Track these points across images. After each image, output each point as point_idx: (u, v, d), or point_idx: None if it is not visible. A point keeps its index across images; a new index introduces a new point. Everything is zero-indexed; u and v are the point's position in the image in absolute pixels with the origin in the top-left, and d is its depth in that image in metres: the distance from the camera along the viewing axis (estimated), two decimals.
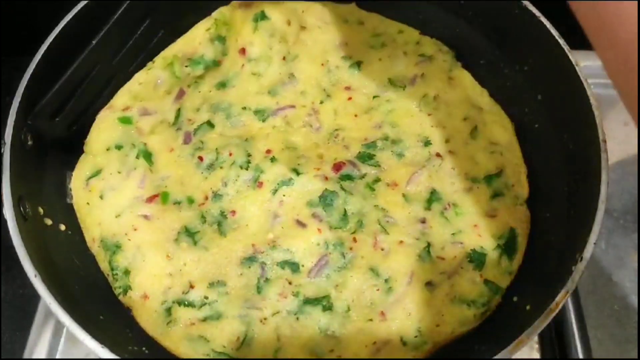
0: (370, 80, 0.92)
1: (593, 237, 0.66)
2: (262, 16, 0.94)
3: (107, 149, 0.85)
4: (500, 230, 0.79)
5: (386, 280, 0.76)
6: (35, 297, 0.66)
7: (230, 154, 0.84)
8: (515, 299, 0.76)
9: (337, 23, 0.97)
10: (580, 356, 0.83)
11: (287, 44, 0.94)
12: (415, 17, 0.96)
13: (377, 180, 0.83)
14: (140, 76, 0.91)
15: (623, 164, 1.01)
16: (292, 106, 0.90)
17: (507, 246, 0.78)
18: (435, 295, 0.75)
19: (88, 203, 0.82)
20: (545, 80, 0.84)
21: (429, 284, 0.76)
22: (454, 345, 0.75)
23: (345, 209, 0.80)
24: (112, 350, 0.64)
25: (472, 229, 0.79)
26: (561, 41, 0.79)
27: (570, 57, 0.77)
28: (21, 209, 0.71)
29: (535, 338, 0.85)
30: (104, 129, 0.86)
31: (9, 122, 0.73)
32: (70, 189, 0.83)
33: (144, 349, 0.73)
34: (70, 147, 0.85)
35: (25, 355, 0.88)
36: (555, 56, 0.79)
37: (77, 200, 0.82)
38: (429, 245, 0.78)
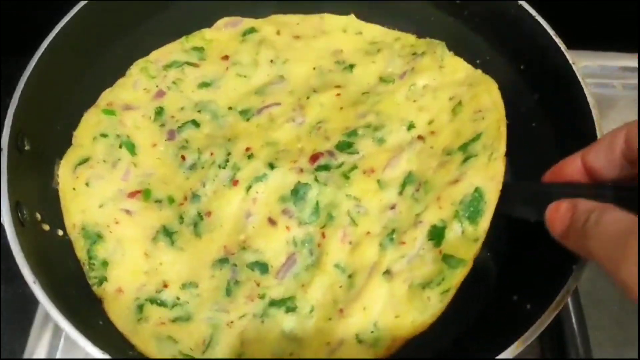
0: (361, 80, 0.92)
1: None
2: (251, 31, 0.96)
3: (94, 138, 0.85)
4: (462, 194, 0.73)
5: (350, 276, 0.75)
6: (35, 298, 0.66)
7: (212, 154, 0.84)
8: (515, 298, 0.75)
9: (335, 32, 0.97)
10: (580, 356, 0.83)
11: (275, 50, 0.94)
12: (411, 18, 0.96)
13: (354, 168, 0.81)
14: (120, 81, 0.92)
15: None
16: (278, 103, 0.90)
17: (469, 210, 0.72)
18: (393, 284, 0.72)
19: (74, 189, 0.81)
20: (542, 79, 0.84)
21: (387, 273, 0.73)
22: (454, 345, 0.76)
23: (317, 202, 0.79)
24: (112, 356, 0.63)
25: (435, 202, 0.75)
26: (557, 40, 0.80)
27: (567, 56, 0.78)
28: (19, 214, 0.70)
29: (535, 338, 0.85)
30: (90, 122, 0.87)
31: (6, 127, 0.73)
32: (58, 175, 0.82)
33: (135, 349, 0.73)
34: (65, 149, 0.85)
35: (25, 356, 0.88)
36: (551, 56, 0.80)
37: (63, 186, 0.82)
38: (392, 231, 0.75)
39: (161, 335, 0.74)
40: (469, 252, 0.70)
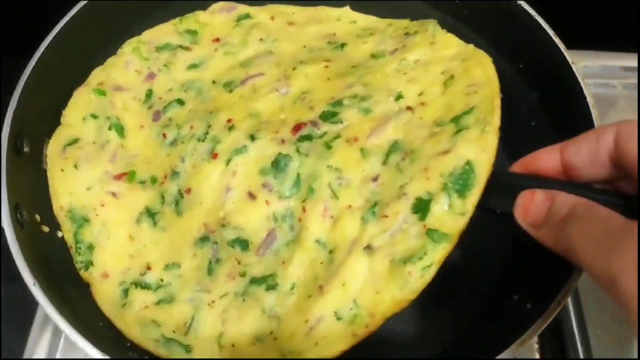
0: (351, 56, 0.90)
1: None
2: (246, 17, 0.96)
3: (84, 119, 0.85)
4: (452, 166, 0.67)
5: (330, 252, 0.71)
6: (35, 298, 0.66)
7: (192, 127, 0.82)
8: (515, 298, 0.75)
9: (329, 20, 0.97)
10: (580, 356, 0.83)
11: (266, 31, 0.94)
12: (409, 17, 0.96)
13: (337, 137, 0.77)
14: (111, 59, 0.92)
15: None
16: (261, 74, 0.87)
17: (459, 183, 0.67)
18: (373, 259, 0.68)
19: (62, 170, 0.81)
20: (541, 79, 0.84)
21: (367, 248, 0.68)
22: (454, 344, 0.76)
23: (298, 174, 0.75)
24: (112, 357, 0.63)
25: (421, 173, 0.69)
26: (557, 40, 0.80)
27: (566, 56, 0.78)
28: (18, 216, 0.70)
29: (535, 338, 0.85)
30: (81, 101, 0.86)
31: (5, 128, 0.73)
32: (46, 155, 0.82)
33: (145, 356, 0.73)
34: None
35: (25, 356, 0.88)
36: (551, 55, 0.79)
37: (52, 166, 0.81)
38: (375, 204, 0.71)
39: (145, 319, 0.73)
40: (454, 227, 0.65)
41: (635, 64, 1.11)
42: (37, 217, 0.75)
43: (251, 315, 0.72)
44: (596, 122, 0.73)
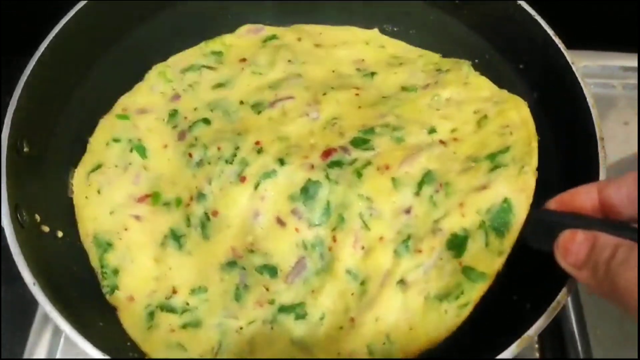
0: (382, 86, 0.88)
1: None
2: (273, 37, 0.95)
3: (107, 144, 0.85)
4: (489, 203, 0.68)
5: (362, 283, 0.71)
6: (35, 298, 0.66)
7: (219, 148, 0.80)
8: (515, 298, 0.75)
9: (357, 44, 0.95)
10: (580, 356, 0.83)
11: (294, 53, 0.93)
12: (409, 17, 0.96)
13: (368, 164, 0.75)
14: (137, 85, 0.92)
15: (623, 164, 1.01)
16: (292, 97, 0.85)
17: (497, 221, 0.67)
18: (407, 294, 0.69)
19: (87, 197, 0.81)
20: (541, 79, 0.84)
21: (401, 282, 0.69)
22: (453, 344, 0.75)
23: (328, 202, 0.74)
24: (112, 357, 0.63)
25: (456, 209, 0.70)
26: (557, 40, 0.80)
27: (566, 56, 0.78)
28: (18, 216, 0.70)
29: (535, 338, 0.85)
30: (105, 128, 0.87)
31: (5, 128, 0.73)
32: (72, 184, 0.83)
33: (146, 356, 0.73)
34: (69, 154, 0.85)
35: (25, 356, 0.88)
36: (551, 55, 0.79)
37: (77, 194, 0.82)
38: (408, 237, 0.71)
39: (171, 342, 0.73)
40: (491, 266, 0.67)
41: (635, 64, 1.11)
42: (37, 217, 0.75)
43: (279, 345, 0.72)
44: (596, 123, 0.73)
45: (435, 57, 0.93)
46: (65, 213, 0.82)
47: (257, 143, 0.79)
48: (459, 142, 0.78)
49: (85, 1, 0.83)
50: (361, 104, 0.84)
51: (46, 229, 0.76)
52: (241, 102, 0.87)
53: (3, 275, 0.93)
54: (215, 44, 0.95)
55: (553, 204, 0.62)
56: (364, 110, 0.83)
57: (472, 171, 0.73)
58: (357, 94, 0.86)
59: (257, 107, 0.86)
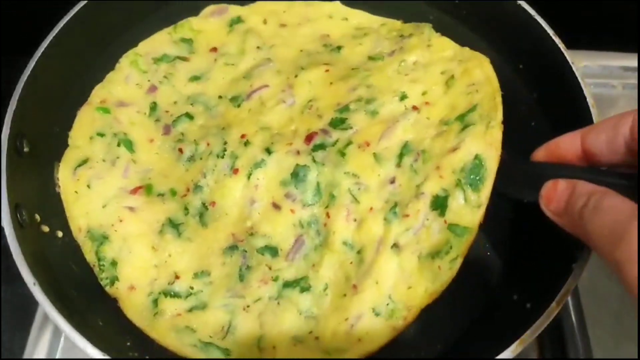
0: (349, 58, 0.92)
1: None
2: (238, 20, 0.96)
3: (91, 138, 0.85)
4: (462, 162, 0.74)
5: (358, 252, 0.75)
6: (35, 298, 0.66)
7: (208, 144, 0.84)
8: (515, 297, 0.75)
9: (320, 19, 0.98)
10: (580, 356, 0.83)
11: (261, 38, 0.95)
12: (409, 17, 0.96)
13: (349, 143, 0.80)
14: (110, 75, 0.91)
15: None
16: (266, 85, 0.89)
17: (471, 177, 0.73)
18: (402, 256, 0.73)
19: (76, 192, 0.81)
20: (541, 79, 0.84)
21: (394, 246, 0.74)
22: (454, 344, 0.75)
23: (317, 182, 0.79)
24: (112, 357, 0.63)
25: (434, 172, 0.75)
26: (557, 40, 0.80)
27: (565, 55, 0.78)
28: (18, 216, 0.70)
29: (535, 338, 0.85)
30: (85, 121, 0.87)
31: (5, 128, 0.73)
32: (58, 179, 0.82)
33: (146, 356, 0.73)
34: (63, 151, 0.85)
35: (25, 355, 0.88)
36: (551, 55, 0.79)
37: (65, 189, 0.82)
38: (395, 205, 0.76)
39: (179, 326, 0.74)
40: (473, 219, 0.71)
41: (635, 64, 1.11)
42: (37, 217, 0.75)
43: (288, 317, 0.74)
44: (595, 122, 0.73)
45: (397, 23, 0.96)
46: (65, 214, 0.82)
47: (243, 136, 0.83)
48: (430, 106, 0.82)
49: (85, 1, 0.84)
50: (332, 80, 0.88)
51: (46, 228, 0.76)
52: (220, 97, 0.90)
53: (3, 275, 0.93)
54: (183, 30, 0.96)
55: (539, 152, 0.66)
56: (336, 85, 0.87)
57: (445, 134, 0.78)
58: (327, 70, 0.89)
59: (236, 100, 0.89)
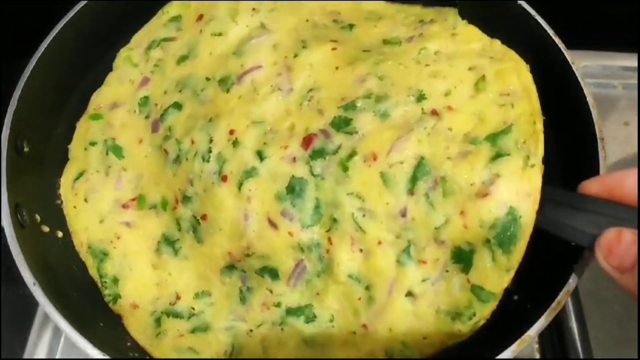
0: (362, 39, 0.79)
1: None
2: None
3: (85, 149, 0.83)
4: (492, 216, 0.62)
5: (367, 288, 0.69)
6: (35, 298, 0.66)
7: (193, 142, 0.75)
8: (515, 298, 0.75)
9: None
10: (581, 356, 0.83)
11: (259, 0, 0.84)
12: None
13: (353, 154, 0.68)
14: (108, 77, 0.88)
15: (623, 164, 1.01)
16: (260, 66, 0.77)
17: (502, 237, 0.62)
18: (417, 306, 0.67)
19: (75, 207, 0.81)
20: (541, 78, 0.84)
21: (409, 294, 0.68)
22: (454, 344, 0.75)
23: (316, 199, 0.69)
24: (112, 357, 0.63)
25: (458, 218, 0.64)
26: (557, 40, 0.79)
27: (566, 55, 0.78)
28: (18, 216, 0.71)
29: (536, 338, 0.85)
30: (81, 132, 0.85)
31: (5, 128, 0.73)
32: (60, 194, 0.82)
33: (146, 356, 0.73)
34: (66, 154, 0.85)
35: (25, 355, 0.89)
36: (551, 55, 0.79)
37: (66, 204, 0.81)
38: (409, 245, 0.67)
39: (181, 347, 0.74)
40: (500, 284, 0.64)
41: (635, 64, 1.11)
42: (37, 217, 0.75)
43: (292, 344, 0.72)
44: (597, 123, 0.73)
45: (415, 8, 0.85)
46: (64, 214, 0.82)
47: (231, 132, 0.74)
48: (453, 113, 0.69)
49: (85, 1, 0.84)
50: (339, 63, 0.75)
51: (46, 229, 0.76)
52: (207, 79, 0.80)
53: (3, 275, 0.93)
54: (172, 8, 0.89)
55: (593, 187, 0.55)
56: (343, 72, 0.74)
57: (471, 158, 0.65)
58: (334, 49, 0.76)
59: (225, 83, 0.78)
